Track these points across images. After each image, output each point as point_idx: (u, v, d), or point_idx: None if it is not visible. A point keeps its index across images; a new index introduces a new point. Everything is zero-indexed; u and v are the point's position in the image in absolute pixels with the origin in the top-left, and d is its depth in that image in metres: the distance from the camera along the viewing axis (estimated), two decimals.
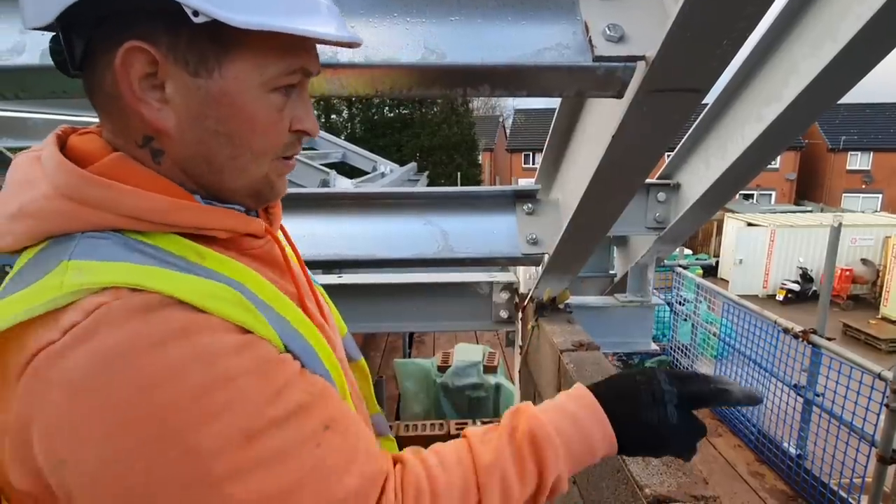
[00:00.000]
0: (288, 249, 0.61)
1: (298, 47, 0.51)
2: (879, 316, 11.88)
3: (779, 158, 26.33)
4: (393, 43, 0.67)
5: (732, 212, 17.60)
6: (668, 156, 1.64)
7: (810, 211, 19.32)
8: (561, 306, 1.65)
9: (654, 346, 2.04)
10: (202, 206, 0.52)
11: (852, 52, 0.85)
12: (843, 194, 26.13)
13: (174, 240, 0.49)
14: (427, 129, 19.69)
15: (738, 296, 4.62)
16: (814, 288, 13.63)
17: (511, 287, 1.81)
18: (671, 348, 5.70)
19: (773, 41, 1.10)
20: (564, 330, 1.45)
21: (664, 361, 5.54)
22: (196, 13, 0.43)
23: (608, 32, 0.67)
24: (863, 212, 20.26)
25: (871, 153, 25.94)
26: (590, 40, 0.67)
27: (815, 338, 3.13)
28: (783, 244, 14.23)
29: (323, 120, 19.46)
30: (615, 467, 0.83)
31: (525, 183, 1.81)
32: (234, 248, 0.54)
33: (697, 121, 1.45)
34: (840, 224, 2.99)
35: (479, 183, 20.71)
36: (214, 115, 0.49)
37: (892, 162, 25.47)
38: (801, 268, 13.93)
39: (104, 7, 0.45)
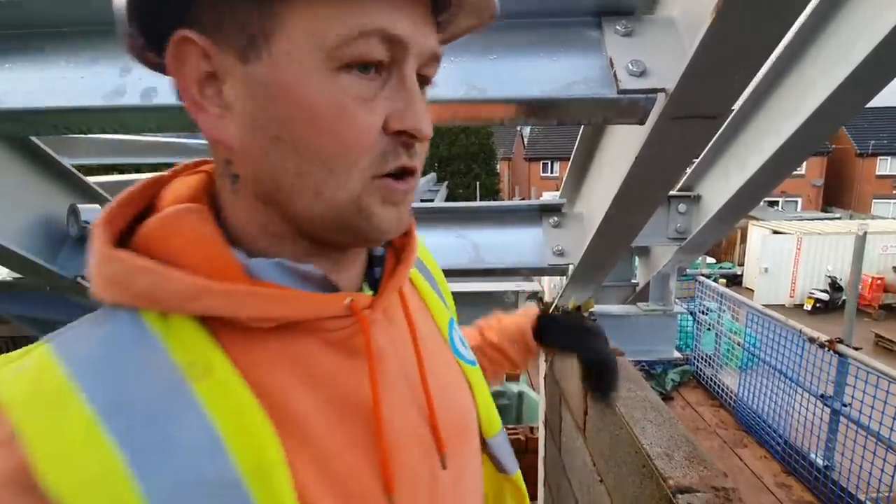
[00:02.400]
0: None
1: (360, 12, 0.34)
2: None
3: (805, 164, 25.74)
4: (439, 81, 0.76)
5: (757, 219, 17.28)
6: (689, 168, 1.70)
7: (838, 218, 18.83)
8: (586, 315, 1.71)
9: (676, 354, 2.07)
10: (241, 281, 0.37)
11: (864, 73, 0.91)
12: (873, 200, 25.36)
13: (191, 332, 0.36)
14: (445, 139, 19.90)
15: (764, 305, 4.58)
16: (843, 297, 13.25)
17: (536, 296, 1.88)
18: (694, 358, 5.65)
19: (790, 61, 1.16)
20: None
21: (687, 371, 5.49)
22: None
23: (631, 68, 0.75)
24: (894, 218, 19.62)
25: None
26: (614, 75, 0.75)
27: (841, 347, 3.10)
28: (810, 252, 13.87)
29: None
30: (640, 463, 0.90)
31: (544, 192, 1.88)
32: (295, 334, 0.39)
33: (718, 134, 1.51)
34: (865, 232, 2.97)
35: (497, 192, 20.77)
36: (271, 113, 0.35)
37: None
38: (829, 276, 13.56)
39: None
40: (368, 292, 0.45)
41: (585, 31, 0.80)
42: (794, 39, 1.14)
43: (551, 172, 27.41)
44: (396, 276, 0.46)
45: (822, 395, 3.56)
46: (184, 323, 0.36)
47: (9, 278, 1.39)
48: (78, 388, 0.33)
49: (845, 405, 3.34)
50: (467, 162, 20.07)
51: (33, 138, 1.20)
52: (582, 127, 1.22)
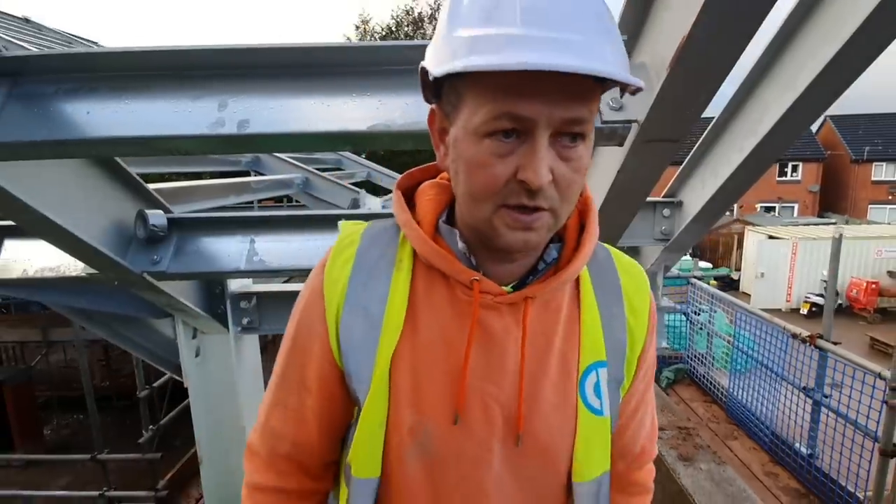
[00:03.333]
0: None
1: (504, 91, 0.49)
2: None
3: (801, 170, 26.04)
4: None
5: (753, 224, 17.49)
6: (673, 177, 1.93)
7: (833, 223, 19.05)
8: None
9: (665, 344, 2.29)
10: (425, 235, 0.62)
11: (808, 97, 1.12)
12: (869, 206, 25.63)
13: (408, 246, 0.64)
14: None
15: (761, 309, 4.77)
16: (839, 301, 13.45)
17: None
18: (688, 357, 5.86)
19: (751, 88, 1.39)
20: None
21: (681, 369, 5.69)
22: (426, 81, 0.55)
23: (611, 104, 0.97)
24: (889, 223, 19.83)
25: None
26: (599, 109, 0.98)
27: (821, 342, 3.31)
28: (806, 257, 13.98)
29: None
30: None
31: None
32: (447, 281, 0.62)
33: (695, 148, 1.73)
34: (841, 235, 3.19)
35: None
36: (454, 158, 0.57)
37: None
38: (825, 281, 13.72)
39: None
40: (507, 288, 0.62)
41: None
42: (753, 70, 1.36)
43: None
44: (527, 290, 0.61)
45: (804, 388, 3.78)
46: (408, 241, 0.64)
47: (83, 274, 1.61)
48: (358, 244, 0.66)
49: (826, 396, 3.55)
50: None
51: None
52: None
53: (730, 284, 15.73)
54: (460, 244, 0.62)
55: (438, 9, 23.96)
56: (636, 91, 0.50)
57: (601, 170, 1.32)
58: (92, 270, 1.56)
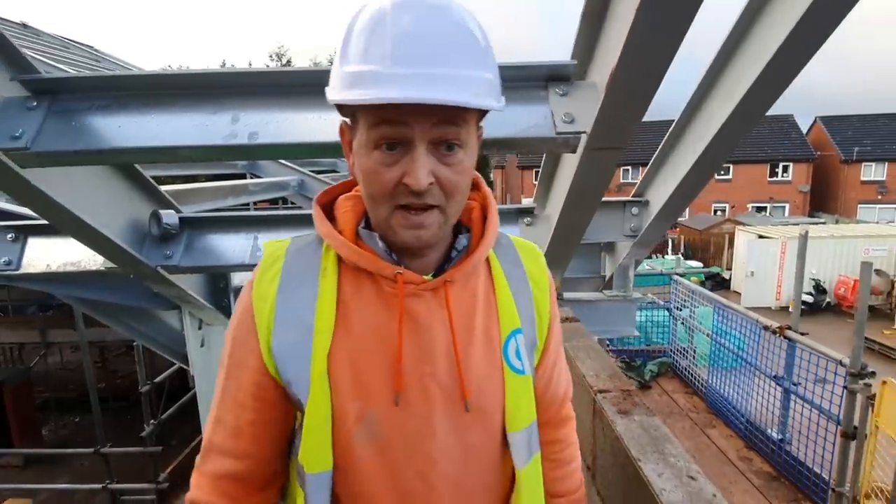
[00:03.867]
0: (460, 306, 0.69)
1: (381, 115, 0.59)
2: (895, 326, 11.70)
3: (791, 171, 26.39)
4: None
5: (743, 224, 17.74)
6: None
7: (823, 222, 19.32)
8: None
9: (635, 332, 2.47)
10: (346, 240, 0.68)
11: (745, 106, 1.29)
12: (859, 205, 25.97)
13: (332, 254, 0.70)
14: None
15: (750, 308, 4.95)
16: (827, 299, 13.67)
17: None
18: (671, 350, 6.06)
19: (702, 98, 1.57)
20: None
21: (665, 363, 5.89)
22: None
23: (564, 118, 1.15)
24: (877, 223, 20.14)
25: (886, 164, 25.77)
26: (554, 123, 1.16)
27: (789, 332, 3.51)
28: (795, 256, 14.15)
29: None
30: (579, 381, 1.30)
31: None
32: (373, 278, 0.68)
33: (657, 152, 1.92)
34: (807, 231, 3.38)
35: None
36: (357, 165, 0.65)
37: None
38: (813, 279, 13.86)
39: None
40: (427, 277, 0.69)
41: (538, 92, 1.22)
42: (703, 82, 1.54)
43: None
44: (445, 275, 0.69)
45: (775, 376, 3.97)
46: (332, 250, 0.70)
47: (102, 268, 1.77)
48: (283, 259, 0.71)
49: (795, 384, 3.74)
50: None
51: None
52: (545, 156, 1.64)
53: (721, 283, 15.91)
54: (381, 244, 0.69)
55: None
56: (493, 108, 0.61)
57: (563, 175, 1.50)
58: (111, 265, 1.73)
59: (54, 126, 1.18)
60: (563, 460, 0.87)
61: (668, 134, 1.80)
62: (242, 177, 5.22)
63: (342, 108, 0.66)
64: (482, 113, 0.65)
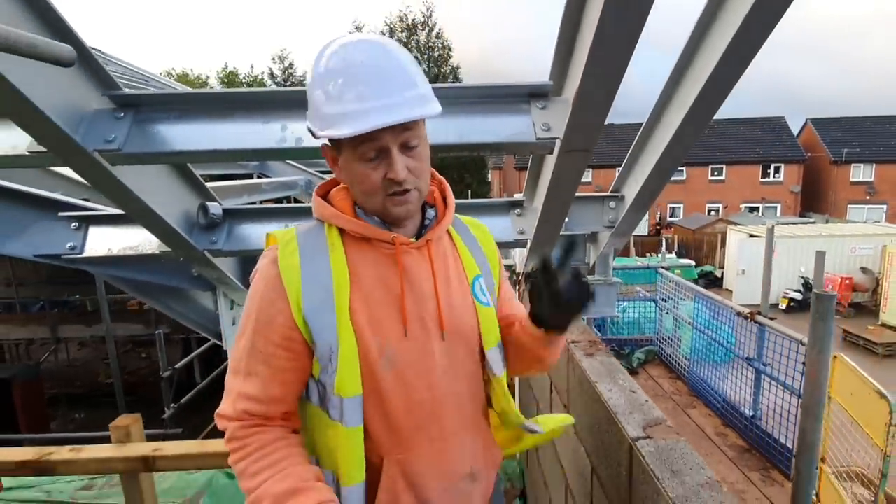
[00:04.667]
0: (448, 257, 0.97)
1: (362, 137, 0.80)
2: (879, 322, 11.98)
3: (783, 171, 26.84)
4: (444, 132, 1.49)
5: (735, 224, 18.12)
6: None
7: (813, 222, 19.71)
8: None
9: (616, 313, 2.79)
10: (350, 217, 0.90)
11: (694, 112, 1.58)
12: (848, 206, 26.42)
13: (335, 232, 0.90)
14: (439, 151, 20.63)
15: (742, 305, 5.27)
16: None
17: (511, 269, 2.60)
18: (658, 339, 6.39)
19: (662, 107, 1.88)
20: None
21: (651, 351, 6.22)
22: (315, 135, 0.86)
23: (542, 127, 1.48)
24: (864, 222, 20.54)
25: (874, 165, 26.22)
26: (534, 130, 1.48)
27: (759, 318, 3.84)
28: (785, 255, 14.33)
29: None
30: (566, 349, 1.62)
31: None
32: (371, 245, 0.89)
33: (629, 152, 2.24)
34: (773, 226, 3.71)
35: None
36: (346, 175, 0.88)
37: (895, 174, 25.76)
38: (802, 277, 14.15)
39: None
40: (412, 239, 0.92)
41: (521, 106, 1.54)
42: (662, 94, 1.84)
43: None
44: (425, 236, 0.93)
45: (747, 358, 4.31)
46: (334, 229, 0.91)
47: (157, 251, 2.08)
48: (297, 238, 0.91)
49: (765, 365, 4.07)
50: (459, 171, 20.92)
51: None
52: (531, 158, 1.97)
53: (713, 282, 16.20)
54: (375, 219, 0.91)
55: (431, 16, 24.71)
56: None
57: (545, 174, 1.83)
58: (165, 249, 2.04)
59: (138, 132, 1.49)
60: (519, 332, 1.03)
61: (637, 136, 2.12)
62: (249, 176, 5.54)
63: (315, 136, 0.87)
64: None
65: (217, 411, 0.89)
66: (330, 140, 0.88)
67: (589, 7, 1.25)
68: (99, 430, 6.39)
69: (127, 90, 1.53)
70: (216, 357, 8.43)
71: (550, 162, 1.68)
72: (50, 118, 1.25)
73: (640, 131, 2.07)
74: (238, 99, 1.51)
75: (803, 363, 3.02)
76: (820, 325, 2.16)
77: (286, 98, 1.51)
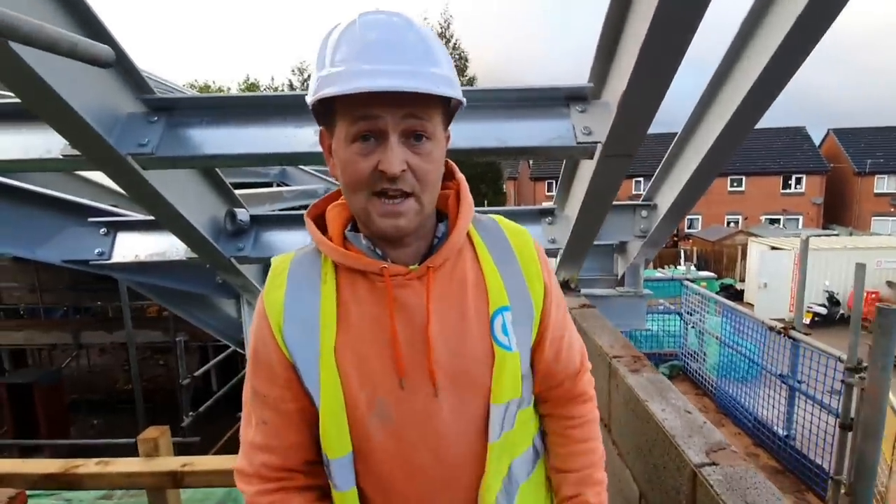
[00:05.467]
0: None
1: (357, 106, 0.65)
2: None
3: (804, 183, 26.32)
4: (480, 135, 1.44)
5: (756, 236, 17.74)
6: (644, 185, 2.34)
7: (836, 234, 19.22)
8: (573, 286, 2.36)
9: (647, 326, 2.69)
10: (334, 245, 0.74)
11: (737, 121, 1.53)
12: (872, 218, 25.77)
13: (329, 262, 0.75)
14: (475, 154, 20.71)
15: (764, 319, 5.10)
16: (841, 311, 13.60)
17: None
18: (682, 354, 6.21)
19: (700, 116, 1.82)
20: (573, 299, 2.17)
21: (676, 366, 6.04)
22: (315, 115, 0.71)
23: (583, 130, 1.42)
24: (890, 235, 19.97)
25: None
26: (574, 134, 1.43)
27: (793, 332, 3.69)
28: (808, 268, 13.99)
29: None
30: (598, 352, 1.55)
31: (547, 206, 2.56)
32: (365, 275, 0.73)
33: (663, 161, 2.17)
34: (808, 238, 3.57)
35: None
36: (337, 163, 0.70)
37: None
38: (827, 291, 13.80)
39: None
40: (413, 267, 0.74)
41: (561, 109, 1.49)
42: (701, 100, 1.79)
43: (554, 191, 28.15)
44: (427, 262, 0.74)
45: (780, 375, 4.13)
46: (328, 259, 0.76)
47: (185, 258, 2.07)
48: (287, 271, 0.78)
49: (800, 382, 3.91)
50: (475, 182, 20.94)
51: None
52: (564, 162, 1.91)
53: (734, 295, 15.84)
54: (364, 242, 0.75)
55: (448, 27, 24.99)
56: (457, 104, 0.70)
57: (581, 179, 1.77)
58: (192, 255, 2.03)
59: (171, 136, 1.47)
60: (574, 437, 0.86)
61: (672, 146, 2.06)
62: (269, 185, 5.58)
63: (321, 118, 0.73)
64: (447, 116, 0.73)
65: (235, 467, 0.80)
66: (325, 124, 0.73)
67: (636, 10, 1.20)
68: (117, 437, 6.41)
69: (160, 94, 1.52)
70: (234, 365, 8.45)
71: (588, 167, 1.62)
72: (86, 121, 1.24)
73: (675, 140, 2.01)
74: (270, 103, 1.49)
75: (842, 381, 2.89)
76: (882, 340, 2.04)
77: None
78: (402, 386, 0.72)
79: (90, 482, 1.15)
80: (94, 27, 1.23)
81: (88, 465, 1.15)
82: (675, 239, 25.11)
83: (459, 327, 0.74)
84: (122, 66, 1.39)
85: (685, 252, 19.20)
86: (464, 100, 0.70)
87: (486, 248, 0.80)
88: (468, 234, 0.79)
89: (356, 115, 0.66)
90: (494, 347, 0.74)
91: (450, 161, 0.80)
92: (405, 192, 0.68)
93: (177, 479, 1.14)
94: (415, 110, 0.66)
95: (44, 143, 1.46)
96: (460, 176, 0.81)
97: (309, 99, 0.68)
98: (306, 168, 5.56)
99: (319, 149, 1.42)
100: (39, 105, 1.17)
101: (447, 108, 0.72)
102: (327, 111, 0.70)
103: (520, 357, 0.77)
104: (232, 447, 5.28)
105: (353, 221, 0.77)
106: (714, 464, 0.91)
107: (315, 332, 0.72)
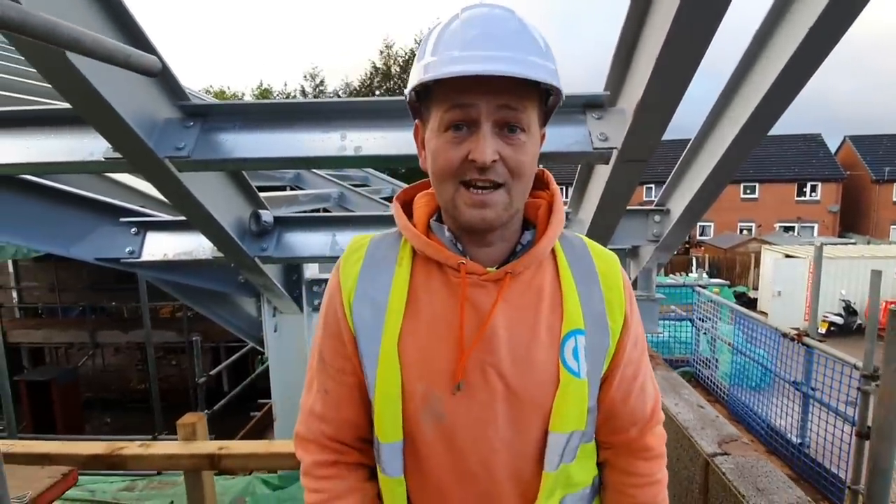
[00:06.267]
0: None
1: (452, 93, 0.65)
2: None
3: (819, 190, 25.99)
4: None
5: (769, 243, 17.53)
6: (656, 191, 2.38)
7: (853, 243, 18.92)
8: None
9: (659, 330, 2.72)
10: (418, 232, 0.74)
11: (752, 124, 1.56)
12: (891, 226, 25.34)
13: (408, 246, 0.76)
14: None
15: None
16: (858, 321, 13.37)
17: None
18: (694, 360, 6.18)
19: (713, 122, 1.86)
20: None
21: (688, 372, 6.02)
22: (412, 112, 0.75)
23: (599, 136, 1.47)
24: None
25: None
26: (591, 140, 1.48)
27: (807, 339, 3.68)
28: (824, 276, 13.69)
29: None
30: None
31: None
32: (442, 268, 0.72)
33: (677, 166, 2.21)
34: (822, 245, 3.56)
35: None
36: (428, 153, 0.70)
37: None
38: (843, 300, 13.57)
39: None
40: (491, 269, 0.72)
41: (577, 116, 1.54)
42: (714, 107, 1.83)
43: (566, 196, 28.06)
44: (507, 266, 0.72)
45: (794, 382, 4.11)
46: (408, 242, 0.77)
47: (210, 257, 2.15)
48: (367, 247, 0.79)
49: (814, 389, 3.88)
50: None
51: None
52: (579, 168, 1.96)
53: (747, 303, 15.65)
54: (447, 234, 0.74)
55: None
56: (555, 100, 0.70)
57: (596, 184, 1.82)
58: (218, 254, 2.10)
59: (206, 140, 1.55)
60: (636, 497, 0.80)
61: (685, 151, 2.09)
62: (283, 189, 5.69)
63: (416, 112, 0.75)
64: (545, 113, 0.73)
65: (294, 430, 0.82)
66: (420, 117, 0.74)
67: (653, 19, 1.25)
68: (130, 435, 6.53)
69: (195, 101, 1.60)
70: (245, 366, 8.56)
71: (603, 172, 1.67)
72: (130, 126, 1.31)
73: (689, 145, 2.05)
74: (298, 109, 1.56)
75: (858, 388, 2.88)
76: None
77: (345, 108, 1.55)
78: (459, 387, 0.69)
79: (133, 463, 1.22)
80: (139, 38, 1.31)
81: (132, 447, 1.22)
82: (687, 246, 24.90)
83: (528, 341, 0.71)
84: (162, 75, 1.47)
85: (697, 259, 19.02)
86: (563, 92, 0.69)
87: (569, 266, 0.76)
88: (553, 249, 0.77)
89: (449, 103, 0.65)
90: (561, 370, 0.71)
91: (546, 170, 0.80)
92: (496, 182, 0.66)
93: (214, 462, 1.20)
94: (510, 100, 0.65)
95: (87, 146, 1.55)
96: (555, 187, 0.79)
97: (407, 90, 0.70)
98: (320, 172, 5.67)
99: (343, 153, 1.50)
100: (90, 111, 1.25)
101: (544, 103, 0.71)
102: (424, 105, 0.71)
103: (587, 386, 0.72)
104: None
105: (440, 213, 0.77)
106: (726, 454, 0.95)
107: (381, 314, 0.72)
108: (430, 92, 0.68)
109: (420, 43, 0.71)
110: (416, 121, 0.76)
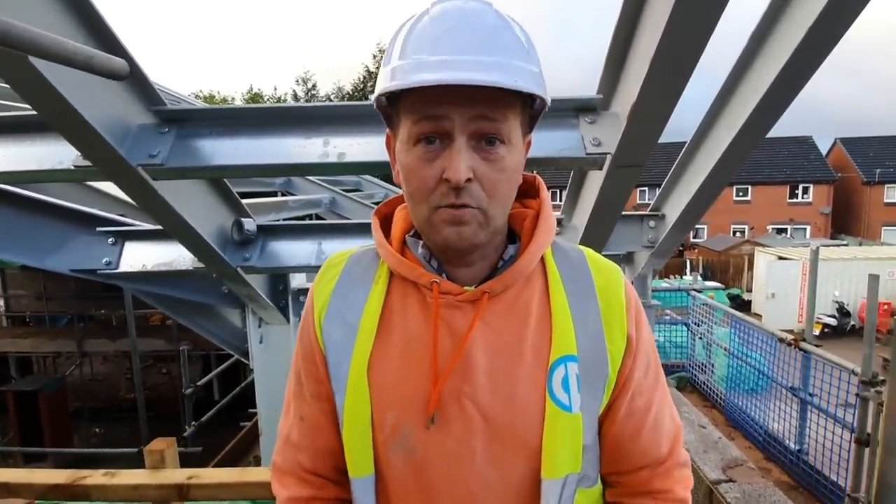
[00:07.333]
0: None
1: (422, 102, 0.58)
2: None
3: (811, 192, 26.20)
4: None
5: (763, 245, 17.63)
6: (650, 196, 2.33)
7: (846, 244, 19.07)
8: None
9: (655, 336, 2.67)
10: (391, 249, 0.69)
11: (749, 127, 1.51)
12: (883, 228, 25.58)
13: (384, 265, 0.70)
14: None
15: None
16: (852, 322, 13.44)
17: None
18: (690, 365, 6.15)
19: (709, 125, 1.81)
20: None
21: (683, 377, 5.98)
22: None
23: (592, 141, 1.42)
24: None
25: None
26: (584, 145, 1.42)
27: (804, 344, 3.64)
28: (817, 277, 13.86)
29: None
30: None
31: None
32: (418, 288, 0.67)
33: (672, 170, 2.16)
34: (818, 248, 3.52)
35: None
36: (399, 168, 0.64)
37: None
38: (837, 302, 13.66)
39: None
40: (468, 288, 0.65)
41: (569, 120, 1.49)
42: (710, 109, 1.78)
43: (559, 200, 28.18)
44: (484, 286, 0.65)
45: (791, 387, 4.07)
46: (384, 262, 0.71)
47: (191, 267, 2.07)
48: (344, 264, 0.74)
49: (811, 395, 3.85)
50: None
51: None
52: (572, 173, 1.91)
53: (741, 306, 15.71)
54: (421, 250, 0.68)
55: None
56: (542, 104, 0.63)
57: (589, 189, 1.76)
58: (199, 265, 2.03)
59: (182, 147, 1.48)
60: None
61: (681, 154, 2.05)
62: (273, 194, 5.61)
63: (388, 119, 0.68)
64: (529, 120, 0.66)
65: (272, 459, 0.77)
66: (391, 126, 0.67)
67: (646, 21, 1.20)
68: (119, 446, 6.40)
69: (171, 106, 1.53)
70: (236, 375, 8.43)
71: (596, 178, 1.62)
72: (98, 132, 1.24)
73: (684, 149, 2.00)
74: (280, 114, 1.49)
75: (857, 394, 2.84)
76: None
77: (328, 113, 1.48)
78: (433, 419, 0.62)
79: (96, 494, 1.14)
80: (108, 41, 1.24)
81: (95, 476, 1.14)
82: (681, 249, 25.00)
83: (510, 368, 0.63)
84: (134, 79, 1.40)
85: (691, 262, 19.09)
86: (548, 99, 0.62)
87: (561, 281, 0.68)
88: (544, 262, 0.69)
89: (419, 114, 0.59)
90: (548, 403, 0.62)
91: (537, 176, 0.73)
92: (470, 206, 0.59)
93: (182, 493, 1.13)
94: (488, 110, 0.58)
95: (56, 154, 1.47)
96: (545, 195, 0.71)
97: (373, 97, 0.63)
98: (311, 178, 5.59)
99: (326, 160, 1.44)
100: (55, 117, 1.18)
101: (529, 108, 0.64)
102: (393, 112, 0.64)
103: (581, 421, 0.63)
104: (234, 457, 5.26)
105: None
106: (731, 480, 0.89)
107: (353, 335, 0.67)
108: (398, 99, 0.62)
109: (388, 43, 0.63)
110: (388, 130, 0.69)
